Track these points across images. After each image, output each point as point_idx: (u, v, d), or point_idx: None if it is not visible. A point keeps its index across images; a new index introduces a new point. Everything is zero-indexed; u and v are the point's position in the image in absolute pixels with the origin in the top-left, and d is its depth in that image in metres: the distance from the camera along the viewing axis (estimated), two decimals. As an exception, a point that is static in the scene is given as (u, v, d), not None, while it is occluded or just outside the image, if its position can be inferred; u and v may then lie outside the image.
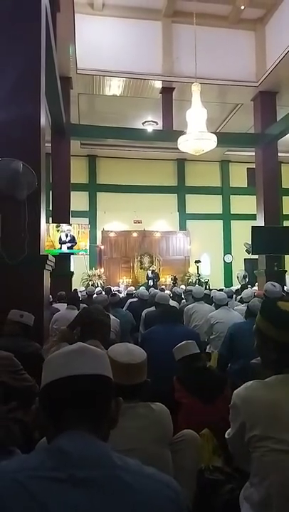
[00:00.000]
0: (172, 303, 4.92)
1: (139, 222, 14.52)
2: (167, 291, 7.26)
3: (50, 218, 8.44)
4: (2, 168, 3.22)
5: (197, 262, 13.08)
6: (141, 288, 6.56)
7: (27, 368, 2.11)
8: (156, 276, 12.64)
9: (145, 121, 10.99)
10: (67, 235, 8.42)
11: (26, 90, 3.43)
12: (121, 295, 8.45)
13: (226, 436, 1.27)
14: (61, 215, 8.41)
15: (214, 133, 7.14)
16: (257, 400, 1.19)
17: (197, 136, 6.66)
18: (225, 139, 8.99)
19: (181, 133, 7.04)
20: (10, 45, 3.44)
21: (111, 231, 14.33)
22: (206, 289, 8.06)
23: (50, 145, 8.28)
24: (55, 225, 8.35)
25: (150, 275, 12.66)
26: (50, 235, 8.14)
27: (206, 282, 12.27)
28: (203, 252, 14.20)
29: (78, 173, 12.12)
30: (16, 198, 3.33)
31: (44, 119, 3.75)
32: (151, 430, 1.30)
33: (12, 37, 3.47)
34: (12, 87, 3.36)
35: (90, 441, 0.74)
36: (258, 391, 1.21)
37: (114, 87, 9.08)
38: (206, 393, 1.98)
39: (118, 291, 9.33)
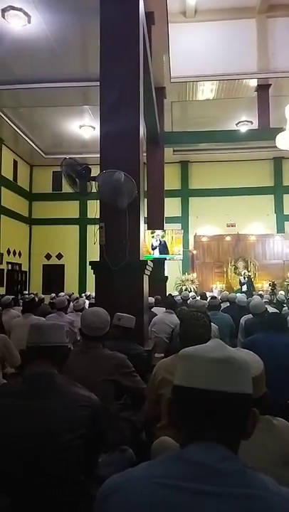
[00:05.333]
0: (271, 310, 4.65)
1: (233, 225, 14.11)
2: (265, 298, 6.90)
3: (146, 225, 8.71)
4: (106, 179, 3.44)
5: (298, 266, 12.18)
6: (238, 294, 6.34)
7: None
8: (250, 282, 12.10)
9: (239, 122, 10.69)
10: (160, 242, 8.57)
11: (127, 104, 3.62)
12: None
13: None
14: (156, 221, 8.63)
15: (317, 127, 6.60)
16: None
17: (298, 132, 6.24)
18: None
19: (280, 130, 6.68)
20: (112, 63, 3.67)
21: (203, 235, 14.20)
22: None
23: (145, 154, 8.58)
24: (150, 231, 8.59)
25: (243, 280, 12.18)
26: (146, 241, 8.40)
27: (309, 289, 11.34)
28: (305, 255, 13.17)
29: (171, 179, 12.30)
30: (117, 207, 3.52)
31: (142, 131, 3.91)
32: (275, 449, 1.22)
33: (113, 55, 3.70)
34: (114, 102, 3.58)
35: (228, 455, 0.72)
36: None
37: (207, 91, 9.04)
38: None
39: (213, 296, 9.17)
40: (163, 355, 3.67)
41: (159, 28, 6.46)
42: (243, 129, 9.84)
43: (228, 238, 13.98)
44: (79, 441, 1.24)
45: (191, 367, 0.77)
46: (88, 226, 13.75)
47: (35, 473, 1.20)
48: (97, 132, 10.61)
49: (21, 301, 7.04)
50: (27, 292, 12.68)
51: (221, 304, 5.45)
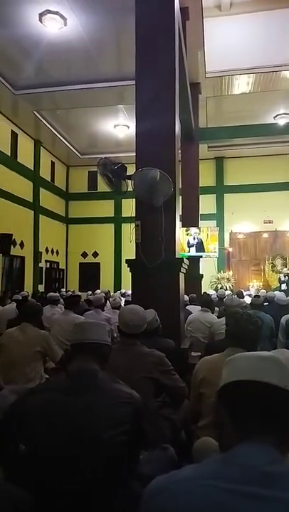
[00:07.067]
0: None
1: (270, 221, 13.73)
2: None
3: (180, 222, 8.64)
4: (142, 177, 3.44)
5: None
6: (277, 292, 6.15)
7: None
8: (290, 280, 11.72)
9: (277, 115, 10.37)
10: (194, 238, 8.50)
11: (163, 102, 3.60)
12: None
13: None
14: (190, 218, 8.54)
15: None
16: None
17: None
18: None
19: None
20: (147, 61, 3.66)
21: (239, 233, 13.92)
22: None
23: (179, 151, 8.52)
24: (184, 228, 8.52)
25: (283, 278, 11.82)
26: (181, 239, 8.34)
27: None
28: None
29: (205, 176, 12.14)
30: (153, 205, 3.52)
31: (178, 128, 3.88)
32: None
33: (149, 53, 3.68)
34: (150, 100, 3.57)
35: (277, 458, 0.70)
36: None
37: (242, 84, 8.84)
38: None
39: (249, 294, 8.98)
40: (200, 353, 3.64)
41: (194, 24, 6.37)
42: (282, 122, 9.55)
43: (265, 235, 13.62)
44: (120, 438, 1.24)
45: (237, 364, 0.79)
46: (123, 224, 13.88)
47: (76, 469, 1.21)
48: (131, 131, 10.67)
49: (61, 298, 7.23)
50: (64, 290, 13.02)
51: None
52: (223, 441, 0.79)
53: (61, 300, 6.37)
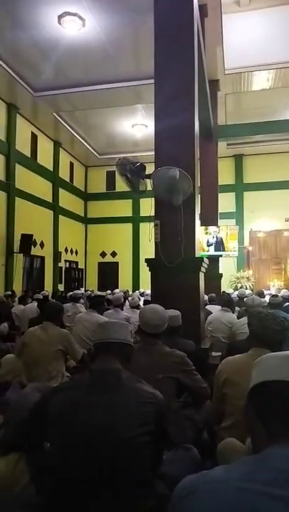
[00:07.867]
0: None
1: (292, 220, 13.48)
2: None
3: (199, 221, 8.58)
4: (161, 176, 3.43)
5: None
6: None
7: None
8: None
9: (298, 111, 10.16)
10: (216, 239, 8.41)
11: (182, 100, 3.57)
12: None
13: None
14: (209, 217, 8.47)
15: None
16: None
17: None
18: None
19: None
20: (166, 60, 3.65)
21: (259, 231, 13.71)
22: None
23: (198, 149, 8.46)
24: (203, 227, 8.45)
25: (305, 278, 11.59)
26: (200, 238, 8.27)
27: None
28: None
29: (224, 174, 12.00)
30: (172, 204, 3.50)
31: (197, 126, 3.85)
32: None
33: (168, 51, 3.67)
34: (169, 98, 3.56)
35: None
36: None
37: (262, 80, 8.70)
38: None
39: (270, 294, 8.81)
40: (220, 354, 3.60)
41: (212, 21, 6.31)
42: (303, 117, 9.34)
43: (286, 233, 13.37)
44: (144, 438, 1.24)
45: (264, 364, 0.79)
46: (141, 224, 13.90)
47: (98, 468, 1.21)
48: (149, 130, 10.67)
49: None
50: (83, 289, 13.14)
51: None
52: (254, 442, 0.78)
53: (81, 300, 6.44)
